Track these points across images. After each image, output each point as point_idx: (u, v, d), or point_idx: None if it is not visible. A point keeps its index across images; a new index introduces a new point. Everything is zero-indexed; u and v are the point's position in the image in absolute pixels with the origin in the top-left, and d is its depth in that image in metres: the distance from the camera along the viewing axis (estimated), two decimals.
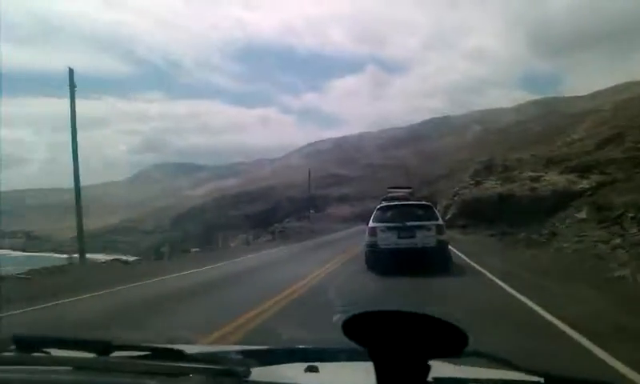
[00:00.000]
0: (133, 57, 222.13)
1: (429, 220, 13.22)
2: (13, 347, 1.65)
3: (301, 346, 1.88)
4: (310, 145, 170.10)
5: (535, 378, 1.48)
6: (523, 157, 42.81)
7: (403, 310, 1.13)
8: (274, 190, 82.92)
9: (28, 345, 1.65)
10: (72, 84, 21.32)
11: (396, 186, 19.69)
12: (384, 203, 14.71)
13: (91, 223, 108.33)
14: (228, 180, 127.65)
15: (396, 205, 14.36)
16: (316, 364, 1.60)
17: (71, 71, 21.50)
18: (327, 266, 14.64)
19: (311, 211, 64.56)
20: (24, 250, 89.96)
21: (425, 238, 12.81)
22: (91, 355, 1.57)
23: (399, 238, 12.99)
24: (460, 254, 16.60)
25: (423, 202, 14.89)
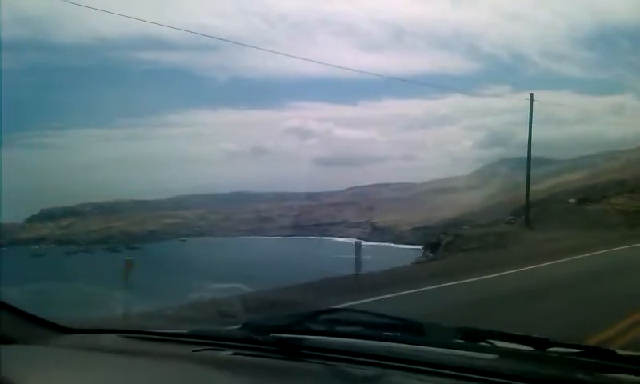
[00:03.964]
0: (477, 53, 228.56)
1: None
2: (461, 336, 1.90)
3: None
4: None
5: None
6: None
7: None
8: (624, 184, 73.31)
9: (475, 335, 1.89)
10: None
11: None
12: None
13: (433, 216, 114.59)
14: (574, 173, 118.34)
15: None
16: None
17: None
18: None
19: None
20: (368, 240, 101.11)
21: None
22: (530, 348, 1.75)
23: None
24: None
25: None
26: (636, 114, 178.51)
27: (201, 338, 2.18)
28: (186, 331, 2.26)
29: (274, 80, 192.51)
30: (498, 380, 1.53)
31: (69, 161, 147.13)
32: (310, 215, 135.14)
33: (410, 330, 1.99)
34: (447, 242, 30.87)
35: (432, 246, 33.32)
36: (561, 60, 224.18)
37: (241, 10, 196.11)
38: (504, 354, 1.68)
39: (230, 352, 1.99)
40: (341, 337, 1.98)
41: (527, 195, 33.16)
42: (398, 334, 1.99)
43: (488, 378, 1.55)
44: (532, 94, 32.13)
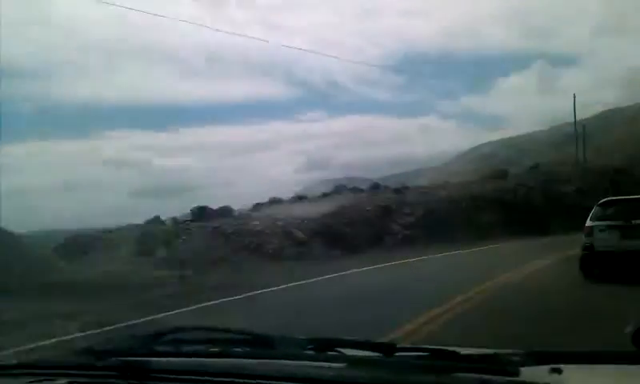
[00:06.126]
0: (293, 79, 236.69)
1: None
2: (311, 346, 1.86)
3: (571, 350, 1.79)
4: (473, 149, 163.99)
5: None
6: None
7: None
8: (429, 197, 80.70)
9: (324, 345, 1.85)
10: None
11: None
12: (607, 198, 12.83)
13: None
14: (386, 192, 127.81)
15: (621, 199, 12.65)
16: (560, 366, 1.58)
17: None
18: None
19: None
20: None
21: None
22: (378, 355, 1.75)
23: (622, 238, 11.19)
24: None
25: None
26: (438, 133, 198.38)
27: (31, 367, 1.92)
28: (12, 362, 2.03)
29: (87, 108, 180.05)
30: None
31: None
32: None
33: (260, 343, 1.98)
34: None
35: None
36: (372, 85, 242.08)
37: (47, 36, 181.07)
38: (352, 362, 1.69)
39: (65, 381, 1.76)
40: (188, 357, 1.91)
41: None
42: (248, 349, 1.95)
43: None
44: None
